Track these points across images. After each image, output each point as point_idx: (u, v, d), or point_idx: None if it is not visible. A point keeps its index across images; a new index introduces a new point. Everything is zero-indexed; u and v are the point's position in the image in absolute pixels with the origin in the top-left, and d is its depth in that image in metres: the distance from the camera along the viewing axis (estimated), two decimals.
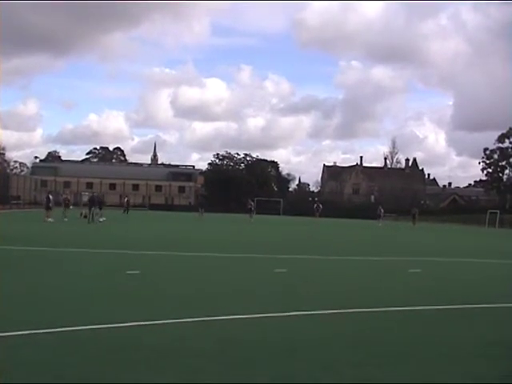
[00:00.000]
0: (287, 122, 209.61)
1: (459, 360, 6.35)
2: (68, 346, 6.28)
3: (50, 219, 35.59)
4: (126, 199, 66.22)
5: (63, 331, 6.85)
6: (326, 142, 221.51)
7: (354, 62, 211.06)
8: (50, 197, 38.83)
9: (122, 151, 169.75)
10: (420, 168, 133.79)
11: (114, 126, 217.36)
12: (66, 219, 36.85)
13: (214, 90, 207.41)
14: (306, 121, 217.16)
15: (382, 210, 60.37)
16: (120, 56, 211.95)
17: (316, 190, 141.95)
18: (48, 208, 37.49)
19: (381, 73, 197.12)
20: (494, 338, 7.58)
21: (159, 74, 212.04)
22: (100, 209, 42.29)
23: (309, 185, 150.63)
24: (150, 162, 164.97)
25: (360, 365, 5.98)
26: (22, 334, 6.60)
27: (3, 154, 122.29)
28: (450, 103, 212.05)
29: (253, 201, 58.74)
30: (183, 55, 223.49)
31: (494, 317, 9.28)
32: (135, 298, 9.58)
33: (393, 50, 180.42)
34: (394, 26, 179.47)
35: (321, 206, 61.57)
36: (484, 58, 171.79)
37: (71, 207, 41.28)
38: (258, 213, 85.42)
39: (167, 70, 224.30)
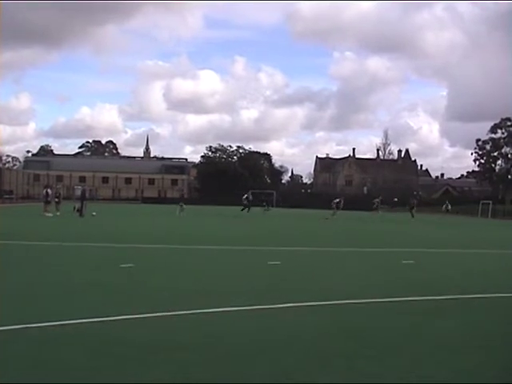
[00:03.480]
0: (281, 113, 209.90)
1: (454, 351, 6.33)
2: (59, 340, 6.23)
3: (49, 214, 35.43)
4: (245, 195, 49.78)
5: (54, 325, 6.80)
6: (320, 134, 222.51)
7: (348, 53, 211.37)
8: (49, 191, 38.59)
9: (115, 144, 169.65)
10: (412, 159, 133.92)
11: (107, 120, 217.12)
12: (58, 213, 36.69)
13: (208, 82, 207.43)
14: (300, 113, 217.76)
15: (415, 201, 55.57)
16: (113, 49, 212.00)
17: (309, 182, 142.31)
18: (47, 202, 37.33)
19: (375, 64, 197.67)
20: (489, 328, 7.56)
21: (152, 67, 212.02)
22: (181, 206, 42.89)
23: (301, 177, 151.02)
24: (142, 155, 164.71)
25: (355, 357, 5.96)
26: (13, 329, 6.54)
27: None
28: (444, 94, 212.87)
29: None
30: (177, 48, 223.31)
31: (489, 308, 9.26)
32: (128, 291, 9.53)
33: (387, 41, 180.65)
34: (389, 17, 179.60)
35: (342, 201, 49.66)
36: (478, 48, 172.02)
37: (57, 200, 40.45)
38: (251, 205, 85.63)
39: (160, 63, 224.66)
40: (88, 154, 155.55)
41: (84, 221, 31.78)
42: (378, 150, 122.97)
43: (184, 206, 44.18)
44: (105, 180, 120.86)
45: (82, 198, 38.04)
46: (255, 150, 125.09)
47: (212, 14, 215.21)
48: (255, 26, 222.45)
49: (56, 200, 39.81)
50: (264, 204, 55.12)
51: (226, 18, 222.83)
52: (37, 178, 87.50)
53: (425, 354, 6.19)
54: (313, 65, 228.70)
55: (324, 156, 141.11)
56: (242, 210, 48.18)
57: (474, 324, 7.83)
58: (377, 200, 54.82)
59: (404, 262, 15.12)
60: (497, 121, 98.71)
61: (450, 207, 61.90)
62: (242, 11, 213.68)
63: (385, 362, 5.85)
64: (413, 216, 51.88)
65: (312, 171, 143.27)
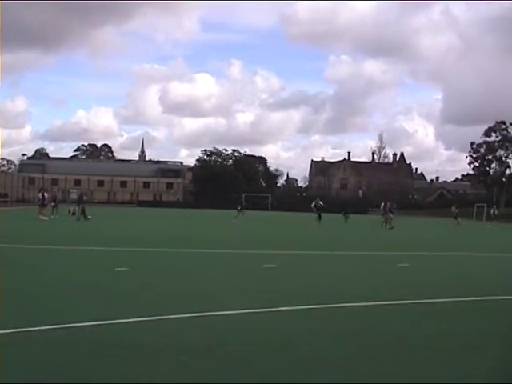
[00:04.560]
0: (276, 117, 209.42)
1: (452, 353, 6.38)
2: (58, 343, 6.26)
3: (44, 217, 35.35)
4: (313, 203, 42.16)
5: (53, 329, 6.82)
6: (316, 138, 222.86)
7: (344, 57, 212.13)
8: (45, 194, 38.46)
9: (110, 148, 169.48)
10: (408, 162, 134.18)
11: (102, 123, 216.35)
12: (52, 216, 36.60)
13: (204, 86, 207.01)
14: (296, 116, 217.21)
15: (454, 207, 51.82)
16: (109, 52, 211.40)
17: (304, 186, 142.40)
18: (43, 205, 37.25)
19: (371, 67, 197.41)
20: (485, 331, 7.62)
21: (149, 70, 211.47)
22: (241, 210, 42.45)
23: (297, 180, 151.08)
24: (138, 158, 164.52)
25: (351, 358, 6.01)
26: (12, 332, 6.57)
27: None
28: (439, 97, 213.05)
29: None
30: (173, 51, 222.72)
31: (486, 310, 9.30)
32: (123, 295, 9.56)
33: (383, 45, 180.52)
34: (385, 20, 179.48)
35: (388, 204, 39.45)
36: (473, 52, 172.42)
37: (53, 204, 40.02)
38: (245, 208, 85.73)
39: (156, 66, 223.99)
40: (83, 157, 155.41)
41: (79, 224, 31.74)
42: (373, 154, 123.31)
43: (243, 211, 43.79)
44: (100, 183, 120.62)
45: (80, 201, 37.91)
46: (251, 153, 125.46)
47: (208, 17, 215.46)
48: (251, 29, 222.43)
49: (52, 204, 39.63)
50: (344, 212, 47.05)
51: (223, 21, 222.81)
52: (32, 181, 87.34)
53: (422, 355, 6.24)
54: (309, 68, 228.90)
55: (319, 159, 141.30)
56: (319, 218, 40.85)
57: (470, 326, 7.89)
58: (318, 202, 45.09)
59: (399, 265, 15.17)
60: (491, 124, 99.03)
61: (496, 211, 57.79)
62: (238, 14, 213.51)
63: (382, 363, 5.91)
64: (385, 224, 37.74)
65: (307, 175, 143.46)
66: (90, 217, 36.37)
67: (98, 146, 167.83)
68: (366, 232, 33.90)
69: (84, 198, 39.21)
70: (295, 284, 11.43)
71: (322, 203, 42.74)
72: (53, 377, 5.15)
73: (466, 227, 48.04)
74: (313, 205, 42.93)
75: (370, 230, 35.86)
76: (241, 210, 44.09)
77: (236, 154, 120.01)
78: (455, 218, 51.05)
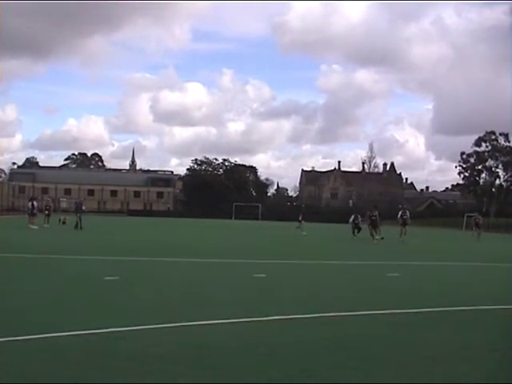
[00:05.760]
0: (267, 126, 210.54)
1: (440, 362, 6.37)
2: (45, 353, 6.21)
3: (34, 226, 35.27)
4: (352, 217, 37.87)
5: (40, 338, 6.76)
6: (307, 147, 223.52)
7: (335, 66, 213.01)
8: (35, 203, 38.41)
9: (100, 157, 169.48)
10: (398, 172, 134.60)
11: (93, 132, 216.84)
12: (44, 225, 36.56)
13: (195, 95, 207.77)
14: (287, 125, 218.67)
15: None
16: (100, 61, 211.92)
17: (294, 195, 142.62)
18: (32, 214, 37.18)
19: (362, 77, 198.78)
20: (473, 339, 7.63)
21: (140, 79, 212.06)
22: (300, 222, 42.43)
23: (287, 189, 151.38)
24: (128, 167, 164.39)
25: (340, 368, 5.99)
26: None
27: None
28: (430, 107, 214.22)
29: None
30: (164, 60, 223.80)
31: (473, 319, 9.32)
32: (113, 304, 9.51)
33: (374, 54, 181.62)
34: (376, 30, 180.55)
35: (408, 213, 38.17)
36: (464, 62, 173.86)
37: (47, 213, 40.00)
38: (236, 217, 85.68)
39: (148, 75, 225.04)
40: (74, 166, 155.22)
41: (70, 233, 31.63)
42: (363, 163, 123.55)
43: (303, 223, 43.89)
44: (90, 192, 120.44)
45: (78, 211, 37.80)
46: (241, 162, 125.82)
47: (199, 26, 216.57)
48: (243, 38, 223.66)
49: (46, 212, 39.64)
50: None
51: (214, 31, 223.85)
52: (22, 189, 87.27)
53: (411, 364, 6.25)
54: (300, 78, 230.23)
55: (310, 169, 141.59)
56: (353, 233, 37.91)
57: (459, 335, 7.88)
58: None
59: (389, 274, 15.17)
60: (481, 134, 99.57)
61: None
62: (229, 23, 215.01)
63: (371, 372, 5.89)
64: (373, 234, 34.60)
65: (298, 184, 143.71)
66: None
67: (89, 154, 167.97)
68: (358, 242, 33.84)
69: (83, 208, 39.18)
70: (285, 293, 11.39)
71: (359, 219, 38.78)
72: None
73: (456, 237, 48.06)
74: (351, 219, 38.72)
75: (361, 239, 35.82)
76: (301, 220, 44.58)
77: (226, 164, 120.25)
78: (475, 228, 46.88)
